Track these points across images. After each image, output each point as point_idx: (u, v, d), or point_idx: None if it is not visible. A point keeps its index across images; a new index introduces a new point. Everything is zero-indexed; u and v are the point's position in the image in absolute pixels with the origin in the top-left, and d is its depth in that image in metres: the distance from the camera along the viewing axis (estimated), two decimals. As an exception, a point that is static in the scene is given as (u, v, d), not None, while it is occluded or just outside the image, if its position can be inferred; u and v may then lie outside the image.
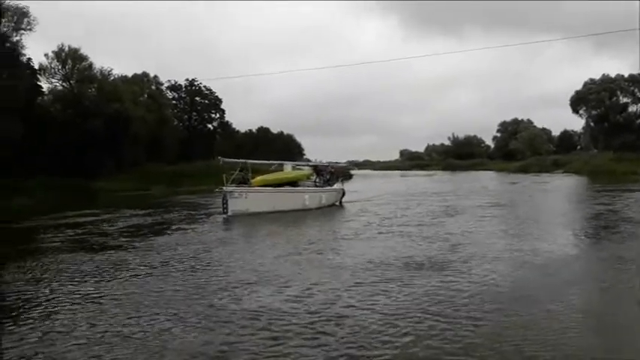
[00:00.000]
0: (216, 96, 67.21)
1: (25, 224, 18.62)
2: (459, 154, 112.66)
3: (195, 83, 65.64)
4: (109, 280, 8.87)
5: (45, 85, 46.00)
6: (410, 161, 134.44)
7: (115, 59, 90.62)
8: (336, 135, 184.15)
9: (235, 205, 18.76)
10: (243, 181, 20.59)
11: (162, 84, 61.31)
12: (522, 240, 12.40)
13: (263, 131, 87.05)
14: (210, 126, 68.79)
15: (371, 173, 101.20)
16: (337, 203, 23.83)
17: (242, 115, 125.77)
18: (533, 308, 6.79)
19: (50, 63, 45.57)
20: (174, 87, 64.59)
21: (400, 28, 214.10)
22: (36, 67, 44.49)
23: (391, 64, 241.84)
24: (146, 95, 53.50)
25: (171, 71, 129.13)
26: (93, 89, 46.03)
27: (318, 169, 24.55)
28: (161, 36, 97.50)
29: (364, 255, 10.69)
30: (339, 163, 34.99)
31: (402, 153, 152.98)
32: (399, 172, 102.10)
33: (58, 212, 21.99)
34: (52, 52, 45.34)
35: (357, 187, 40.86)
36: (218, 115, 68.83)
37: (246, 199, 19.07)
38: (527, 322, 6.26)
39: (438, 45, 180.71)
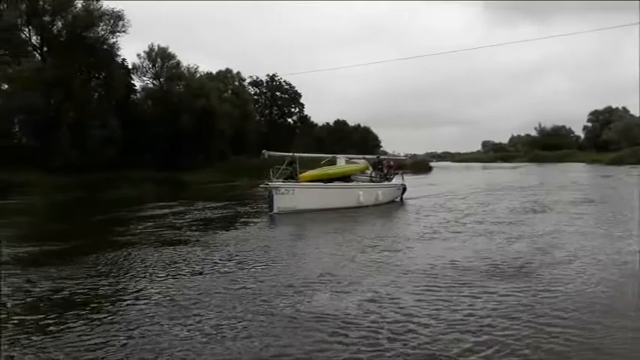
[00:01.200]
0: (296, 90, 68.59)
1: (124, 214, 20.18)
2: (547, 146, 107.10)
3: (276, 78, 67.32)
4: (171, 277, 8.66)
5: (138, 84, 49.27)
6: (493, 153, 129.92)
7: (200, 57, 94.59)
8: (414, 127, 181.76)
9: (281, 202, 17.52)
10: (291, 177, 19.13)
11: (244, 80, 63.39)
12: (620, 242, 11.00)
13: (340, 124, 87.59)
14: (290, 120, 70.25)
15: (450, 165, 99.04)
16: (398, 200, 22.14)
17: (320, 108, 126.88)
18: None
19: (142, 62, 48.65)
20: (256, 83, 66.54)
21: (484, 14, 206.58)
22: (129, 66, 47.76)
23: (473, 52, 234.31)
24: (230, 91, 55.47)
25: (252, 67, 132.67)
26: (181, 86, 48.44)
27: (374, 163, 22.69)
28: (244, 33, 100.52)
29: (437, 257, 9.74)
30: (399, 155, 33.52)
31: (485, 144, 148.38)
32: (481, 164, 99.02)
33: (160, 202, 24.15)
34: (144, 51, 48.36)
35: (434, 180, 40.32)
36: (297, 109, 70.19)
37: (293, 196, 17.76)
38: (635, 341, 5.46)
39: (522, 31, 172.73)
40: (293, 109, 69.88)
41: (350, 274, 8.53)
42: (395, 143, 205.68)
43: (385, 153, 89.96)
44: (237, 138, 51.68)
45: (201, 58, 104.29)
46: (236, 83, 59.92)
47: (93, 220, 19.58)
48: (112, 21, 41.90)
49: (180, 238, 12.93)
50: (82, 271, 9.16)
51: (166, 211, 20.37)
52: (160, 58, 47.99)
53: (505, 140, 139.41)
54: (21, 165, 34.74)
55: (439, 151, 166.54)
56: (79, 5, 40.70)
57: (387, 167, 22.52)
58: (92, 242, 12.78)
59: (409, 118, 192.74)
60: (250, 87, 65.56)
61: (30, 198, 29.06)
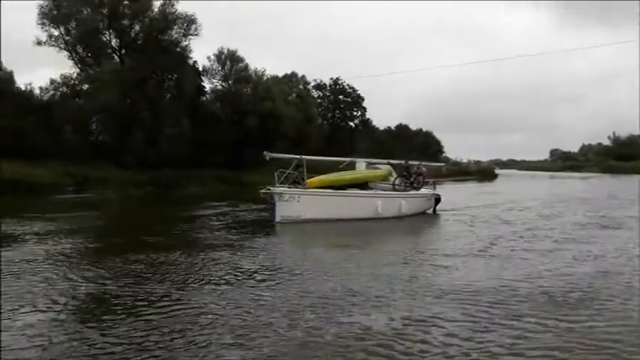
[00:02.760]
0: (359, 94, 68.59)
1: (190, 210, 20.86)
2: (621, 156, 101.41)
3: (339, 82, 67.63)
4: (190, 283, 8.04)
5: (207, 85, 50.98)
6: (561, 162, 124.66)
7: (266, 60, 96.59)
8: (479, 132, 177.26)
9: (285, 209, 15.57)
10: (298, 182, 17.30)
11: (309, 83, 64.08)
12: None
13: (402, 128, 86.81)
14: (351, 123, 70.35)
15: (515, 173, 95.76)
16: (430, 211, 19.77)
17: (382, 112, 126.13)
18: None
19: (212, 65, 50.31)
20: (320, 86, 67.12)
21: (554, 17, 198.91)
22: (200, 68, 49.49)
23: (543, 57, 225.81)
24: (295, 94, 56.26)
25: (317, 71, 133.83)
26: (248, 89, 49.64)
27: (402, 169, 19.86)
28: (309, 36, 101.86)
29: (484, 279, 8.21)
30: (461, 162, 30.59)
31: (553, 153, 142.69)
32: (548, 173, 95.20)
33: (220, 201, 24.70)
34: (213, 54, 49.96)
35: (495, 189, 38.84)
36: (359, 113, 70.18)
37: (298, 203, 15.75)
38: None
39: (596, 35, 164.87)
40: (355, 113, 69.97)
41: (374, 294, 7.25)
42: (457, 149, 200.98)
43: (447, 160, 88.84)
44: (299, 141, 52.32)
45: (267, 61, 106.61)
46: (300, 87, 60.72)
47: (161, 216, 20.38)
48: (185, 24, 43.60)
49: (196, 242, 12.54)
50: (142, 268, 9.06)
51: (212, 212, 20.29)
52: (229, 60, 49.49)
53: (574, 149, 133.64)
54: (98, 161, 36.82)
55: (504, 158, 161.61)
56: (156, 9, 42.59)
57: (415, 175, 19.75)
58: (156, 239, 12.93)
59: (474, 123, 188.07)
60: (314, 90, 66.23)
61: (104, 192, 30.70)
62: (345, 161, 19.80)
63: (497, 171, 79.58)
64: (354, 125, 70.50)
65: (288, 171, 17.02)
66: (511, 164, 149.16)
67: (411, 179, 19.42)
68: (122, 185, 33.09)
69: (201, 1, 71.68)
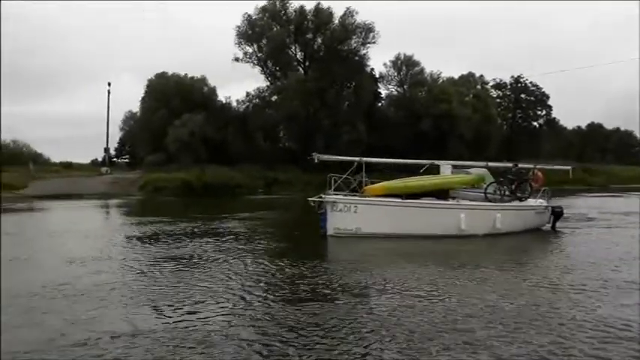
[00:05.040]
0: (543, 92, 63.92)
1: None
2: None
3: (521, 80, 63.86)
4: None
5: (383, 91, 52.39)
6: None
7: (443, 62, 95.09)
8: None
9: (338, 221, 13.06)
10: (355, 190, 14.28)
11: (487, 83, 61.71)
12: None
13: (594, 127, 78.36)
14: (535, 124, 65.88)
15: None
16: (546, 228, 15.41)
17: (572, 110, 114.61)
18: None
19: (388, 71, 51.55)
20: (499, 85, 64.14)
21: None
22: (377, 75, 51.07)
23: None
24: (472, 95, 54.75)
25: (496, 70, 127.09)
26: (423, 92, 49.76)
27: (512, 173, 15.35)
28: (488, 36, 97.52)
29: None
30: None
31: None
32: None
33: None
34: (390, 60, 51.10)
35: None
36: (544, 112, 65.36)
37: (355, 215, 13.10)
38: None
39: None
40: (539, 112, 65.34)
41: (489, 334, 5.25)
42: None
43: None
44: (476, 142, 50.74)
45: (444, 64, 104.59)
46: (478, 87, 58.79)
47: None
48: (363, 33, 45.44)
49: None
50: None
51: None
52: (404, 65, 50.16)
53: None
54: (285, 165, 40.52)
55: None
56: (336, 21, 45.16)
57: (521, 180, 15.24)
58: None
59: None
60: (493, 90, 63.52)
61: (290, 193, 33.59)
62: (422, 164, 15.76)
63: None
64: (537, 125, 65.92)
65: (344, 176, 13.98)
66: None
67: (512, 186, 14.96)
68: (305, 187, 35.86)
69: (380, 7, 73.51)
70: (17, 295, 6.80)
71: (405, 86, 51.14)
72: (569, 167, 19.06)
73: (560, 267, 9.11)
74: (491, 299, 6.66)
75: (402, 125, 47.14)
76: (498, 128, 58.44)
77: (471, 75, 58.32)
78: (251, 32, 45.09)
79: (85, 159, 57.35)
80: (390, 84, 52.14)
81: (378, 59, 70.67)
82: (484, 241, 12.94)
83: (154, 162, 41.35)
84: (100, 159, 52.90)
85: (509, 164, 16.04)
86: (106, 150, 49.98)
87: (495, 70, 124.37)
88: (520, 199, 15.00)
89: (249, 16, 45.16)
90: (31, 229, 16.09)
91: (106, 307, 6.28)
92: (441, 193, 14.20)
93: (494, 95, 63.22)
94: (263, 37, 44.81)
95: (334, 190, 13.54)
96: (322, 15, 44.87)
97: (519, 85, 64.05)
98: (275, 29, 44.99)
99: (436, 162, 15.75)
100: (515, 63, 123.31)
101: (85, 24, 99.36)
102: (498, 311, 6.10)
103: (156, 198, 31.51)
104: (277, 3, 45.13)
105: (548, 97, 64.18)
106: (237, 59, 45.84)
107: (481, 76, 59.94)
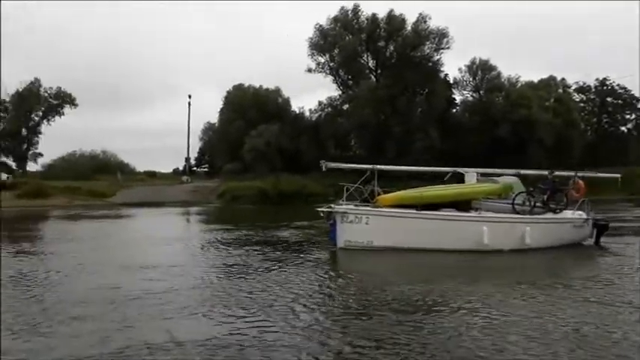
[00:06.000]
0: (632, 94, 59.75)
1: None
2: None
3: (607, 82, 60.15)
4: None
5: (457, 97, 51.35)
6: None
7: (521, 66, 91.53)
8: None
9: (350, 233, 12.24)
10: (367, 200, 13.33)
11: (569, 87, 58.75)
12: None
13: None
14: (623, 128, 61.82)
15: None
16: (588, 243, 13.73)
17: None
18: None
19: (462, 76, 50.46)
20: (583, 89, 60.76)
21: None
22: (451, 81, 50.17)
23: None
24: (552, 99, 52.40)
25: (578, 73, 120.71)
26: (500, 97, 48.25)
27: (550, 183, 13.66)
28: (572, 37, 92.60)
29: None
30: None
31: None
32: None
33: None
34: (465, 65, 50.01)
35: None
36: (633, 116, 61.18)
37: (367, 226, 12.24)
38: None
39: None
40: (627, 116, 61.23)
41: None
42: None
43: None
44: (557, 148, 48.41)
45: (522, 67, 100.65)
46: (560, 90, 56.09)
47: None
48: (437, 39, 44.88)
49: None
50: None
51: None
52: (480, 70, 48.93)
53: None
54: (354, 173, 40.58)
55: None
56: (409, 27, 44.91)
57: (551, 190, 13.52)
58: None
59: None
60: (576, 94, 60.34)
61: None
62: (445, 172, 14.66)
63: None
64: (625, 130, 61.81)
65: (355, 185, 13.09)
66: None
67: (544, 196, 13.36)
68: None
69: (455, 12, 72.28)
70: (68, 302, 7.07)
71: (480, 91, 49.83)
72: (617, 175, 16.66)
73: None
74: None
75: (477, 131, 45.94)
76: (581, 134, 55.39)
77: (551, 78, 55.76)
78: (323, 42, 45.79)
79: (167, 168, 60.70)
80: (464, 89, 51.05)
81: (453, 64, 69.39)
82: (511, 256, 11.77)
83: (231, 171, 42.98)
84: (180, 168, 55.70)
85: (545, 172, 14.29)
86: (187, 159, 52.58)
87: (577, 73, 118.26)
88: (554, 211, 13.37)
89: (320, 26, 45.95)
90: (114, 235, 17.20)
91: (163, 314, 6.44)
92: (462, 204, 12.98)
93: (578, 99, 60.04)
94: (335, 46, 45.36)
95: (347, 200, 12.64)
96: (395, 22, 44.78)
97: (605, 87, 60.36)
98: (347, 38, 45.43)
99: (459, 169, 14.41)
100: (600, 64, 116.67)
101: (164, 37, 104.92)
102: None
103: (233, 206, 32.70)
104: (349, 12, 45.58)
105: (638, 100, 60.04)
106: (309, 70, 46.71)
107: (563, 79, 57.16)
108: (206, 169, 59.20)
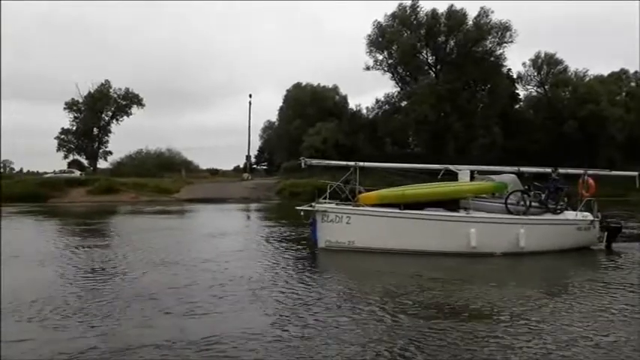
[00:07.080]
0: None
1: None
2: None
3: (686, 74, 56.33)
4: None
5: (521, 92, 49.61)
6: None
7: (590, 59, 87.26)
8: None
9: (330, 233, 11.69)
10: (349, 197, 12.55)
11: (642, 79, 55.45)
12: None
13: None
14: None
15: None
16: (597, 247, 12.40)
17: None
18: None
19: (527, 71, 48.68)
20: (658, 81, 57.28)
21: None
22: (514, 76, 48.52)
23: None
24: (624, 94, 49.70)
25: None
26: (567, 92, 46.29)
27: (549, 182, 12.51)
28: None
29: None
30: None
31: None
32: None
33: None
34: (529, 59, 48.22)
35: None
36: None
37: (348, 226, 11.66)
38: None
39: None
40: None
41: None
42: None
43: None
44: (630, 145, 45.84)
45: (591, 61, 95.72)
46: (632, 84, 53.07)
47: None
48: (499, 33, 43.55)
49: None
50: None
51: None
52: (545, 65, 47.09)
53: None
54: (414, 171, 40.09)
55: None
56: (470, 22, 43.80)
57: (550, 188, 12.30)
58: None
59: None
60: (650, 87, 56.89)
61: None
62: (436, 169, 13.48)
63: None
64: None
65: (337, 183, 12.45)
66: None
67: (543, 195, 12.21)
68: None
69: (520, 3, 69.81)
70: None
71: (546, 86, 47.94)
72: (635, 173, 14.35)
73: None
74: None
75: (542, 128, 44.31)
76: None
77: (623, 72, 52.90)
78: (381, 39, 45.44)
79: (228, 166, 62.34)
80: (529, 84, 49.28)
81: (516, 59, 67.09)
82: (502, 261, 10.63)
83: (289, 168, 43.55)
84: (241, 165, 57.01)
85: (549, 169, 12.92)
86: (248, 157, 53.73)
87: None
88: (554, 212, 12.18)
89: (379, 23, 45.62)
90: (180, 229, 17.91)
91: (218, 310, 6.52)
92: (450, 203, 11.91)
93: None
94: (393, 43, 44.90)
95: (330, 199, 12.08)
96: (455, 17, 43.81)
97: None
98: (405, 35, 44.87)
99: (451, 167, 13.20)
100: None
101: (225, 38, 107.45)
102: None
103: (292, 202, 33.05)
104: (407, 8, 45.00)
105: None
106: (367, 68, 46.49)
107: (635, 72, 54.10)
108: (265, 167, 60.30)
